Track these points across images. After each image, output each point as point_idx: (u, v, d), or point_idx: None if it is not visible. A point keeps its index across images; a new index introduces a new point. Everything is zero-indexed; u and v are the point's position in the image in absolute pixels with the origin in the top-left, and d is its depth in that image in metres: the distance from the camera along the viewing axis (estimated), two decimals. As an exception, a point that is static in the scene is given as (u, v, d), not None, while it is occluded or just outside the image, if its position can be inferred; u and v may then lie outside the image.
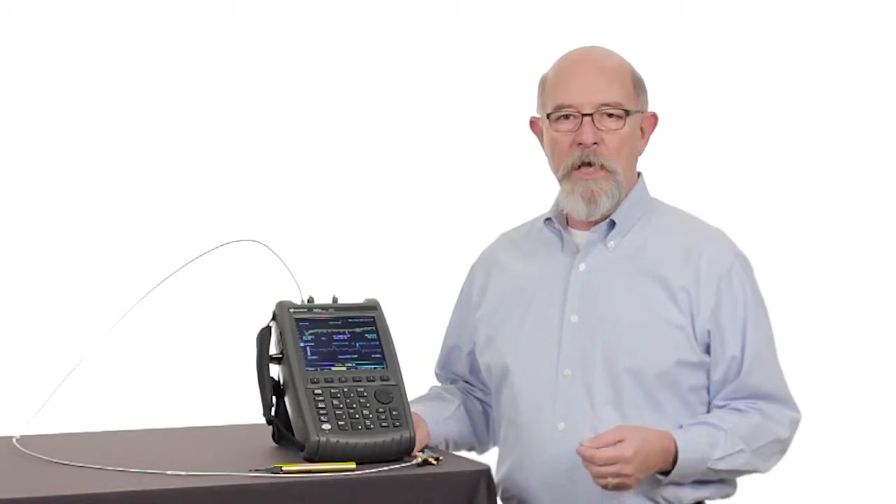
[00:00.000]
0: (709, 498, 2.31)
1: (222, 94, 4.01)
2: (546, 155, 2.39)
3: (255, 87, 4.03)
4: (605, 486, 2.12)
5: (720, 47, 4.08)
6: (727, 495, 2.33)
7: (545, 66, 2.41)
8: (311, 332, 2.15)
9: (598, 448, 2.10)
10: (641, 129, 2.37)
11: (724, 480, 2.30)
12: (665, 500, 2.26)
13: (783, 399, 2.30)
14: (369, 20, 4.08)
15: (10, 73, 3.89)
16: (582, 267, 2.33)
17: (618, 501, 2.24)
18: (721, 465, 2.21)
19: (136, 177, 3.96)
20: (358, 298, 2.24)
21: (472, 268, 2.52)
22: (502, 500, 2.36)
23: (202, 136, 3.99)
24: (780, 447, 2.29)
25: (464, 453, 2.38)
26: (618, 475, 2.10)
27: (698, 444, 2.19)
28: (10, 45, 3.88)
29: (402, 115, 4.06)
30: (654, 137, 2.41)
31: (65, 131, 3.93)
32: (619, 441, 2.10)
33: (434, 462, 2.06)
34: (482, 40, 4.09)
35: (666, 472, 2.18)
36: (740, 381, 2.27)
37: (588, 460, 2.10)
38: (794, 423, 2.31)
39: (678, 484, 2.25)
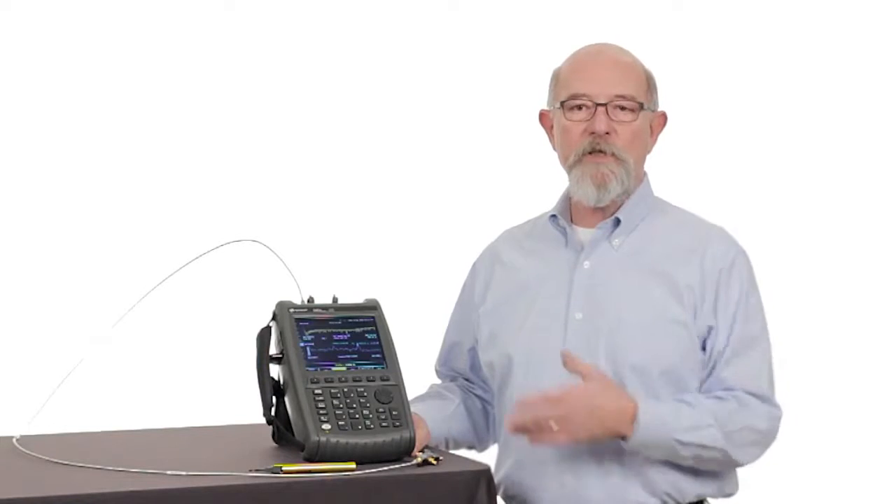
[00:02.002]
0: (711, 496, 2.31)
1: (222, 94, 4.00)
2: (555, 147, 2.40)
3: (254, 87, 4.03)
4: (539, 440, 2.14)
5: (718, 45, 4.08)
6: (729, 494, 2.33)
7: (544, 63, 2.42)
8: (311, 332, 2.15)
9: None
10: (651, 127, 2.38)
11: (725, 477, 2.29)
12: (667, 494, 2.26)
13: (762, 397, 2.26)
14: (368, 19, 4.08)
15: (10, 73, 3.88)
16: (587, 265, 2.34)
17: (621, 497, 2.25)
18: (688, 438, 2.18)
19: (136, 177, 3.96)
20: (358, 298, 2.24)
21: (475, 264, 2.52)
22: (504, 499, 2.36)
23: (202, 137, 3.99)
24: (756, 437, 2.25)
25: (464, 453, 2.38)
26: (562, 419, 2.12)
27: (663, 413, 2.18)
28: (10, 45, 3.88)
29: (402, 114, 4.06)
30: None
31: (65, 131, 3.93)
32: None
33: (434, 462, 2.06)
34: (482, 38, 4.09)
35: (626, 439, 2.17)
36: (717, 373, 2.25)
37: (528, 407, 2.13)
38: (774, 418, 2.27)
39: (678, 470, 2.25)
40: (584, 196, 2.33)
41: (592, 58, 2.36)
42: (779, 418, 2.28)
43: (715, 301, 2.27)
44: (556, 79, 2.39)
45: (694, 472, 2.27)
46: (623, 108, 2.31)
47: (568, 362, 2.18)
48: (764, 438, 2.27)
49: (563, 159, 2.37)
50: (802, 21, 4.08)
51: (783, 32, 4.09)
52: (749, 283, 2.32)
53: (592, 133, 2.30)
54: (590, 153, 2.31)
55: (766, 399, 2.27)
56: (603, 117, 2.30)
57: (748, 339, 2.29)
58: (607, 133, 2.30)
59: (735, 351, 2.27)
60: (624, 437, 2.17)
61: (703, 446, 2.20)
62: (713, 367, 2.26)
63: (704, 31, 4.08)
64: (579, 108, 2.32)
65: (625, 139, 2.31)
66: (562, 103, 2.34)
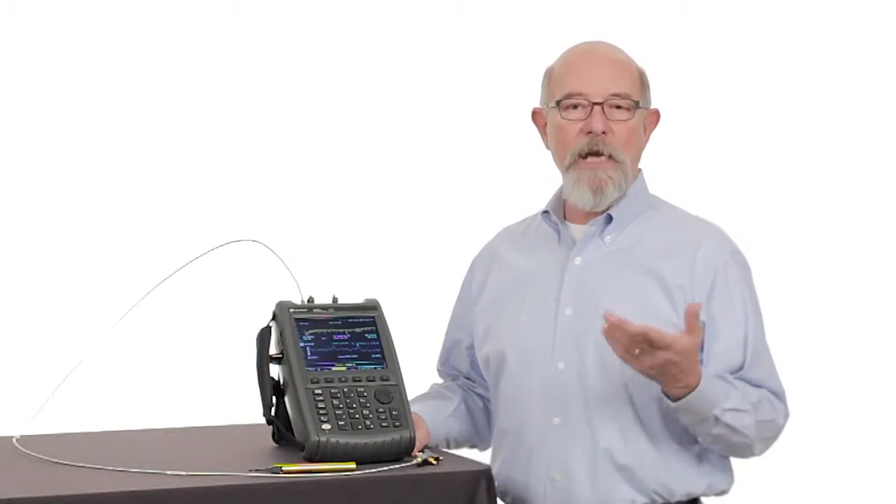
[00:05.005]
0: (702, 494, 2.30)
1: (222, 94, 4.01)
2: (549, 146, 2.39)
3: (255, 88, 4.03)
4: (622, 357, 2.10)
5: (720, 46, 4.08)
6: (721, 492, 2.33)
7: (543, 64, 2.41)
8: (311, 332, 2.15)
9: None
10: (644, 125, 2.37)
11: (717, 476, 2.29)
12: (656, 493, 2.25)
13: (781, 395, 2.31)
14: (369, 20, 4.09)
15: (11, 73, 3.89)
16: (578, 261, 2.34)
17: (609, 495, 2.24)
18: (726, 417, 2.18)
19: (137, 177, 3.96)
20: (358, 298, 2.24)
21: (473, 262, 2.53)
22: (497, 494, 2.36)
23: (202, 137, 4.00)
24: (774, 431, 2.29)
25: (464, 452, 2.38)
26: (651, 356, 2.08)
27: (716, 388, 2.18)
28: (10, 45, 3.88)
29: (402, 114, 4.06)
30: (652, 135, 2.41)
31: (65, 131, 3.93)
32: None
33: (434, 462, 2.06)
34: (481, 39, 4.09)
35: (675, 399, 2.16)
36: (742, 375, 2.27)
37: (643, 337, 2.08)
38: (787, 418, 2.32)
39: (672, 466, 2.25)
40: (581, 201, 2.32)
41: (586, 56, 2.35)
42: (788, 418, 2.32)
43: (709, 299, 2.27)
44: (550, 77, 2.37)
45: (684, 470, 2.27)
46: (619, 107, 2.30)
47: (690, 318, 2.09)
48: (779, 433, 2.31)
49: (559, 159, 2.36)
50: (803, 22, 4.08)
51: (783, 32, 4.09)
52: (747, 284, 2.32)
53: (589, 132, 2.29)
54: (586, 156, 2.30)
55: (784, 398, 2.31)
56: (599, 116, 2.29)
57: (761, 341, 2.31)
58: (604, 132, 2.29)
59: (755, 355, 2.28)
60: (674, 398, 2.16)
61: (735, 430, 2.20)
62: (738, 370, 2.26)
63: (704, 32, 4.08)
64: (575, 106, 2.31)
65: (621, 138, 2.30)
66: (557, 102, 2.33)
